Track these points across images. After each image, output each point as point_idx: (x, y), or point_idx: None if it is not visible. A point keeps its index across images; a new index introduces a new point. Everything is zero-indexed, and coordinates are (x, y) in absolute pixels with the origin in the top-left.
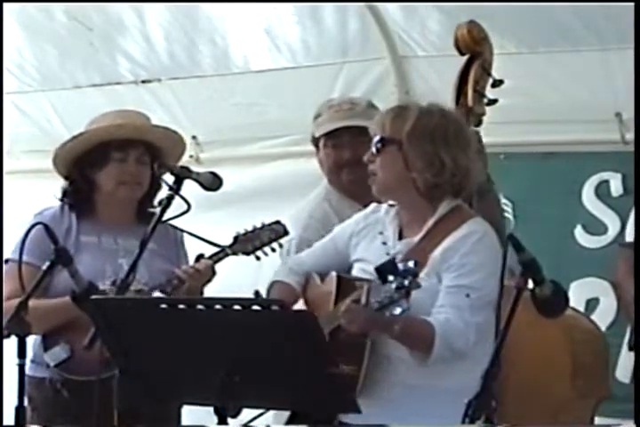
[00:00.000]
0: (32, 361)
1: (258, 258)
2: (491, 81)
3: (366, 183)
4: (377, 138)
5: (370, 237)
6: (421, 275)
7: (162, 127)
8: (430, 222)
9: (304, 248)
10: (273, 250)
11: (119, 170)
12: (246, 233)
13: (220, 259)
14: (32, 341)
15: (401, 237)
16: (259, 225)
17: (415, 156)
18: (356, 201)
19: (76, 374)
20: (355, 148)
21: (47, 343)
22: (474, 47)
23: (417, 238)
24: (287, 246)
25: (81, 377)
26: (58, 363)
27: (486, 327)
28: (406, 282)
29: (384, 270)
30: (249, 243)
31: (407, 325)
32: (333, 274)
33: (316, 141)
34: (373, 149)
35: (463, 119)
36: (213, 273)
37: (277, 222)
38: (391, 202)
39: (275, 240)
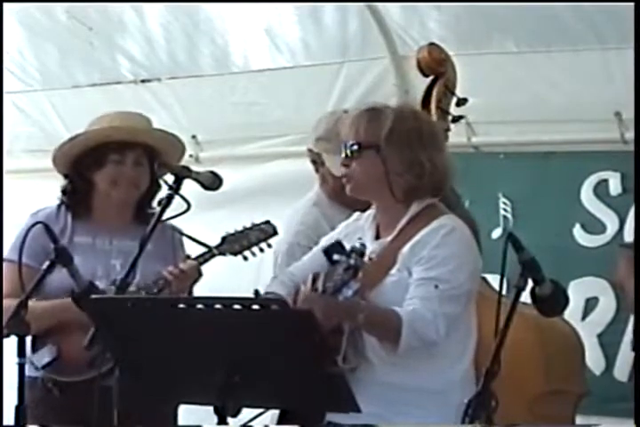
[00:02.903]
0: None
1: (245, 258)
2: (455, 99)
3: None
4: (351, 142)
5: (351, 244)
6: (392, 271)
7: (160, 130)
8: (403, 222)
9: (295, 254)
10: (261, 250)
11: (116, 172)
12: (235, 233)
13: (207, 260)
14: None
15: (378, 239)
16: (249, 225)
17: (394, 159)
18: (347, 206)
19: (61, 375)
20: None
21: (35, 345)
22: (435, 68)
23: (390, 238)
24: (277, 253)
25: (66, 378)
26: (44, 365)
27: (458, 320)
28: (352, 261)
29: (331, 251)
30: (236, 243)
31: (372, 313)
32: (310, 276)
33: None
34: (348, 153)
35: (433, 119)
36: (200, 274)
37: (267, 222)
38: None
39: (263, 240)
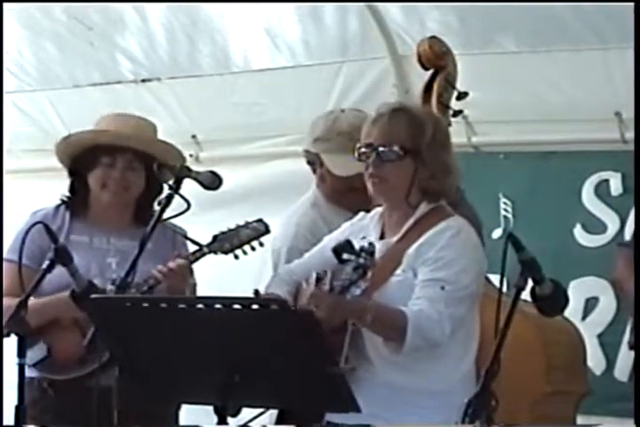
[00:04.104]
0: None
1: (236, 257)
2: (455, 93)
3: (358, 193)
4: (394, 146)
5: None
6: (397, 271)
7: (150, 136)
8: (409, 222)
9: (294, 256)
10: (253, 249)
11: (105, 174)
12: (226, 232)
13: (198, 258)
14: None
15: (382, 238)
16: (242, 223)
17: (431, 164)
18: (345, 208)
19: (53, 373)
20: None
21: (27, 343)
22: (436, 62)
23: (395, 238)
24: (277, 255)
25: (57, 376)
26: (35, 363)
27: (463, 321)
28: (362, 260)
29: (340, 250)
30: (227, 242)
31: (380, 313)
32: (314, 275)
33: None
34: (384, 154)
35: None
36: (190, 272)
37: (259, 221)
38: (380, 206)
39: (255, 239)
